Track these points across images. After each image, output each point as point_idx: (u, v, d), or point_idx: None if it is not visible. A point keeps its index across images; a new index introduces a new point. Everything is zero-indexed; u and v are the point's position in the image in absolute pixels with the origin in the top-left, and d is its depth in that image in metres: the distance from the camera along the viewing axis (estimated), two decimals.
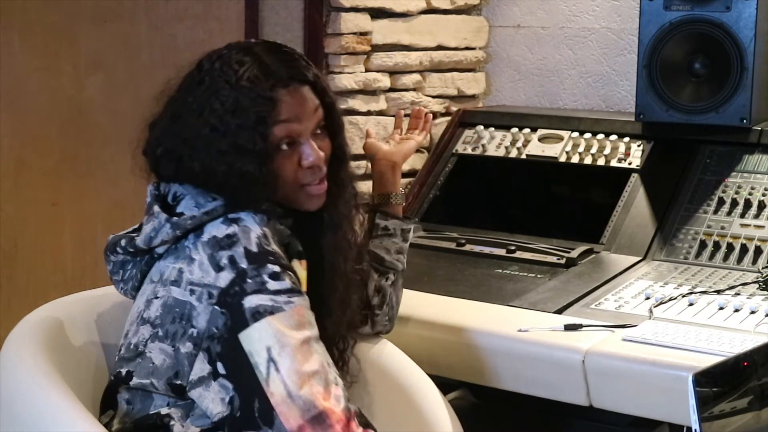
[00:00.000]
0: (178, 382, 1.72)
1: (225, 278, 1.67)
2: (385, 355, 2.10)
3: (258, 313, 1.64)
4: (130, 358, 1.78)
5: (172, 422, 1.72)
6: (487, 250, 2.67)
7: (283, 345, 1.63)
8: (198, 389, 1.70)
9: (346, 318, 1.94)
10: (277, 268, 1.68)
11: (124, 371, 1.78)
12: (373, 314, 2.09)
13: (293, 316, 1.66)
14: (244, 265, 1.67)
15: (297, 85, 1.79)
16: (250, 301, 1.65)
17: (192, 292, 1.70)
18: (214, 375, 1.69)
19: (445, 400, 1.99)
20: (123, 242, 1.83)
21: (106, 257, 1.87)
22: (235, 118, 1.73)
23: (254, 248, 1.69)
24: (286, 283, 1.68)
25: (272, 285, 1.66)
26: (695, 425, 1.38)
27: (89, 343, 1.96)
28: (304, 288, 1.79)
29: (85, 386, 1.90)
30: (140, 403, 1.77)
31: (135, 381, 1.76)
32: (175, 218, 1.75)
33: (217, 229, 1.72)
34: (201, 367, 1.70)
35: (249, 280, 1.66)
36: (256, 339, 1.64)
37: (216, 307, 1.67)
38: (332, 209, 1.88)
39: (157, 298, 1.76)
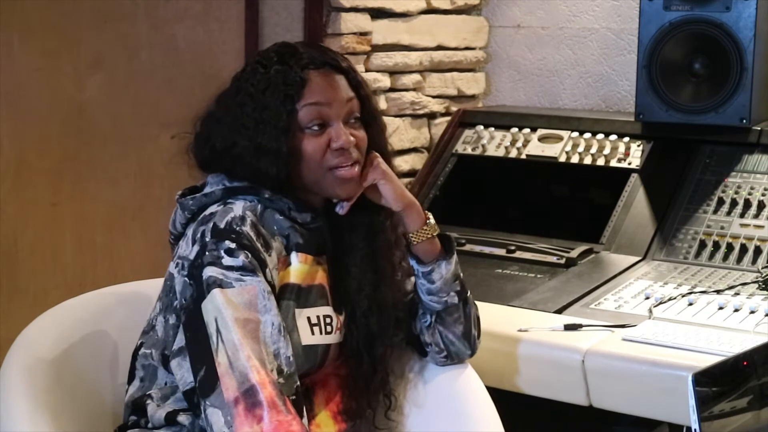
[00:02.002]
0: (166, 352, 1.82)
1: (194, 251, 1.75)
2: (457, 380, 2.02)
3: (209, 285, 1.70)
4: (146, 331, 1.88)
5: (148, 401, 1.82)
6: (487, 250, 2.67)
7: (227, 316, 1.68)
8: (177, 359, 1.78)
9: (377, 323, 1.91)
10: (233, 245, 1.72)
11: (139, 342, 1.89)
12: (426, 351, 2.03)
13: (242, 294, 1.70)
14: (207, 238, 1.74)
15: (330, 70, 1.84)
16: (206, 273, 1.71)
17: (177, 264, 1.79)
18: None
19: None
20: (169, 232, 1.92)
21: (171, 249, 1.92)
22: (265, 96, 1.80)
23: (221, 225, 1.75)
24: (239, 261, 1.71)
25: (226, 260, 1.71)
26: (695, 425, 1.38)
27: (91, 344, 1.98)
28: (299, 280, 1.82)
29: (87, 389, 1.92)
30: (148, 380, 1.86)
31: (142, 351, 1.87)
32: (182, 199, 1.85)
33: (209, 210, 1.80)
34: (181, 337, 1.77)
35: (207, 253, 1.72)
36: (209, 310, 1.69)
37: (186, 278, 1.75)
38: (372, 207, 1.90)
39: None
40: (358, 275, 1.89)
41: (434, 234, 1.94)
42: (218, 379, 1.65)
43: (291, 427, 1.63)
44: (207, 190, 1.84)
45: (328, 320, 1.86)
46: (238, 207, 1.78)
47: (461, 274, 1.98)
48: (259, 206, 1.80)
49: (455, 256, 1.97)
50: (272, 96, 1.80)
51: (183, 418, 1.78)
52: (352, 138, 1.82)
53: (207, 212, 1.79)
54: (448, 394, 2.01)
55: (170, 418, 1.78)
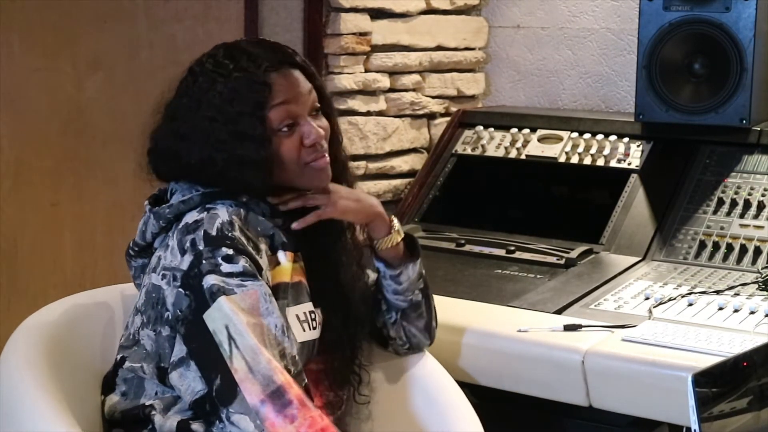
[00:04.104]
0: (163, 365, 1.79)
1: (186, 261, 1.74)
2: (421, 367, 2.08)
3: (213, 293, 1.70)
4: (128, 346, 1.85)
5: (153, 412, 1.79)
6: (486, 250, 2.67)
7: (239, 323, 1.68)
8: (179, 370, 1.76)
9: (356, 315, 1.96)
10: (230, 252, 1.72)
11: (119, 357, 1.86)
12: (388, 343, 2.08)
13: (245, 299, 1.70)
14: (201, 247, 1.73)
15: (288, 68, 1.85)
16: (207, 281, 1.70)
17: (164, 276, 1.77)
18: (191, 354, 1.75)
19: (477, 421, 1.98)
20: (131, 243, 1.90)
21: (127, 262, 1.93)
22: (234, 106, 1.79)
23: (213, 232, 1.74)
24: (239, 267, 1.72)
25: (225, 267, 1.71)
26: (695, 425, 1.38)
27: (90, 343, 1.98)
28: (288, 278, 1.84)
29: (85, 387, 1.91)
30: (133, 393, 1.83)
31: (127, 365, 1.83)
32: (156, 208, 1.83)
33: (191, 216, 1.78)
34: (180, 348, 1.76)
35: (204, 261, 1.72)
36: (216, 318, 1.69)
37: (180, 289, 1.73)
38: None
39: (143, 286, 1.84)
40: (333, 271, 1.92)
41: (399, 240, 1.98)
42: (237, 385, 1.66)
43: (323, 422, 1.66)
44: (180, 197, 1.82)
45: (312, 316, 1.88)
46: (223, 212, 1.77)
47: (424, 272, 2.04)
48: (242, 210, 1.81)
49: (420, 258, 2.01)
50: (241, 105, 1.78)
51: (197, 426, 1.75)
52: (321, 131, 1.85)
53: (189, 220, 1.78)
54: (412, 375, 2.07)
55: (183, 428, 1.76)
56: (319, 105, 1.88)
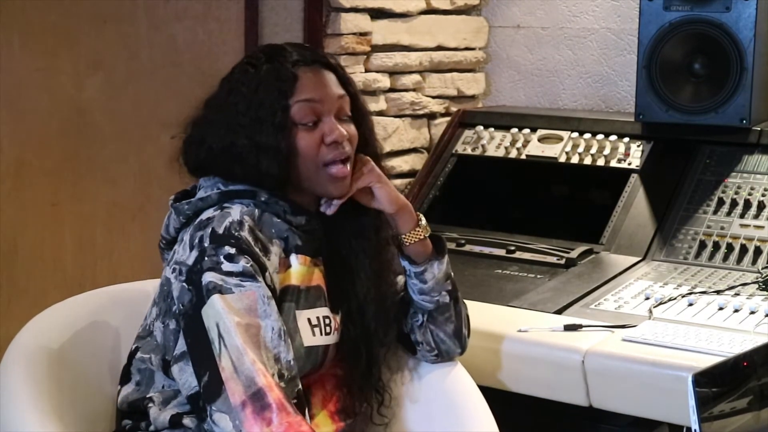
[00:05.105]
0: (167, 357, 1.81)
1: (192, 256, 1.75)
2: (449, 376, 2.04)
3: (209, 290, 1.70)
4: (143, 336, 1.88)
5: (150, 404, 1.81)
6: (486, 250, 2.67)
7: (228, 322, 1.68)
8: (180, 363, 1.78)
9: (374, 323, 1.94)
10: (233, 251, 1.73)
11: (134, 347, 1.88)
12: (416, 349, 2.05)
13: (242, 300, 1.70)
14: (206, 243, 1.74)
15: (320, 67, 1.86)
16: (206, 278, 1.71)
17: (173, 270, 1.79)
18: None
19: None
20: (160, 236, 1.92)
21: (160, 254, 1.94)
22: (258, 94, 1.81)
23: (220, 230, 1.75)
24: (239, 266, 1.72)
25: (226, 266, 1.72)
26: (695, 425, 1.38)
27: (90, 343, 1.98)
28: (299, 282, 1.84)
29: (96, 383, 1.94)
30: (145, 384, 1.85)
31: (139, 355, 1.86)
32: (177, 204, 1.85)
33: (206, 214, 1.80)
34: (182, 342, 1.77)
35: (206, 258, 1.73)
36: (210, 315, 1.70)
37: (184, 283, 1.75)
38: (361, 208, 1.91)
39: (161, 279, 1.86)
40: (354, 276, 1.91)
41: (426, 235, 1.96)
42: (223, 383, 1.66)
43: (301, 428, 1.64)
44: (202, 194, 1.83)
45: (327, 321, 1.87)
46: (235, 211, 1.78)
47: (452, 274, 2.01)
48: (257, 210, 1.81)
49: (447, 257, 1.99)
50: (265, 93, 1.81)
51: (188, 421, 1.78)
52: (344, 132, 1.84)
53: (204, 217, 1.79)
54: (440, 389, 2.03)
55: (175, 421, 1.78)
56: (350, 114, 1.88)
